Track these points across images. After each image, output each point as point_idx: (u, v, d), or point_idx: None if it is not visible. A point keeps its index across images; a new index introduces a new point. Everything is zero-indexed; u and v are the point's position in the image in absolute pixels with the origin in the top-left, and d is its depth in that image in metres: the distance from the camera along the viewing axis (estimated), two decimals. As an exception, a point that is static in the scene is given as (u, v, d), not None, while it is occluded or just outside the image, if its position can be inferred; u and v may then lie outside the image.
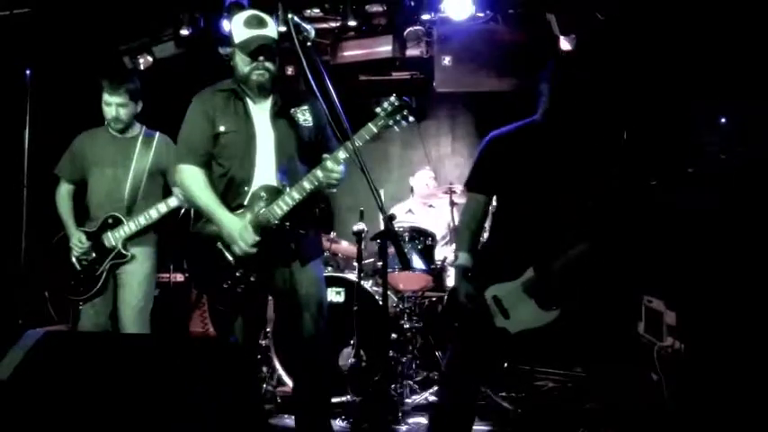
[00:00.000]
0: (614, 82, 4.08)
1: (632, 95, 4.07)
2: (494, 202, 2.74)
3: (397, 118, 2.47)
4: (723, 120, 3.55)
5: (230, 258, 2.54)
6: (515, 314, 2.49)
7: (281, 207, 2.51)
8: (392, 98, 2.47)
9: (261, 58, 2.53)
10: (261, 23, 2.53)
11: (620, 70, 4.04)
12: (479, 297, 2.50)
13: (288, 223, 2.54)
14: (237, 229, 2.49)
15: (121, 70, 3.33)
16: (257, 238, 2.50)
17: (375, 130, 2.47)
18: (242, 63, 2.56)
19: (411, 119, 2.48)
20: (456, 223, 2.76)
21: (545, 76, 2.53)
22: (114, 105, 3.25)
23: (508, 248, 2.55)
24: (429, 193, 4.69)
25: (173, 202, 3.25)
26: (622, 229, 2.51)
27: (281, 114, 2.63)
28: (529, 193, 2.52)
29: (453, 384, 2.59)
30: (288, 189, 2.53)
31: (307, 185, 2.49)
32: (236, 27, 2.56)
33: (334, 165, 2.48)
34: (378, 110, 2.47)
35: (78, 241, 3.27)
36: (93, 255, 3.27)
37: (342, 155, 2.46)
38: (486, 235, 2.98)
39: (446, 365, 2.67)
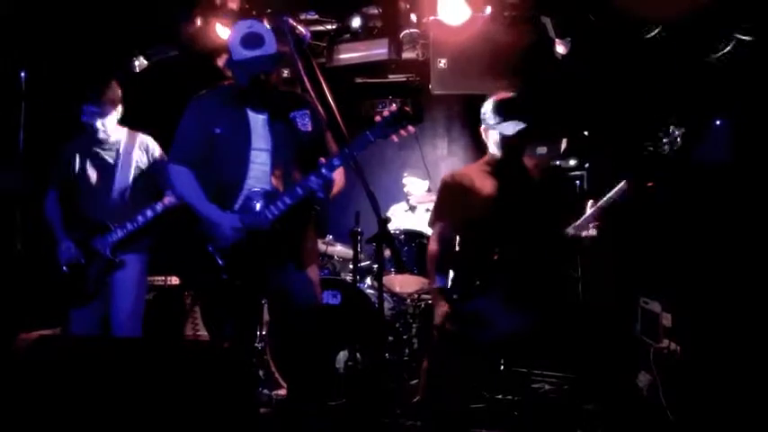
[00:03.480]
0: (610, 83, 4.10)
1: (628, 97, 4.09)
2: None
3: (397, 128, 2.44)
4: (718, 122, 3.57)
5: (219, 260, 2.54)
6: (497, 325, 2.57)
7: (272, 211, 2.50)
8: (393, 107, 2.45)
9: (261, 77, 2.52)
10: (259, 43, 2.49)
11: (615, 71, 4.06)
12: (459, 315, 2.58)
13: (279, 227, 2.53)
14: (221, 216, 2.51)
15: (99, 80, 3.30)
16: (241, 224, 2.50)
17: (372, 139, 2.45)
18: (241, 77, 2.54)
19: (411, 129, 2.45)
20: (428, 252, 2.90)
21: (486, 119, 2.87)
22: (96, 116, 3.25)
23: (478, 267, 2.69)
24: (424, 198, 4.70)
25: (159, 206, 3.23)
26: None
27: (279, 118, 2.62)
28: (487, 219, 2.73)
29: (442, 400, 2.66)
30: (281, 193, 2.52)
31: (300, 191, 2.48)
32: (235, 45, 2.52)
33: (329, 172, 2.47)
34: (377, 118, 2.45)
35: (66, 248, 3.26)
36: (82, 261, 3.26)
37: (337, 162, 2.46)
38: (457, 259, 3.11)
39: (430, 382, 2.71)
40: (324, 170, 2.46)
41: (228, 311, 2.59)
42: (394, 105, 2.49)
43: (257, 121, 2.62)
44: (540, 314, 2.59)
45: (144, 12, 4.35)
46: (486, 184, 2.80)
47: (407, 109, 2.45)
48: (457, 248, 2.95)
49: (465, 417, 2.66)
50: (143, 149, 3.36)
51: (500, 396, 3.64)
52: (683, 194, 3.52)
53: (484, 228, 2.74)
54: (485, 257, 2.67)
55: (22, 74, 3.87)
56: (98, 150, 3.33)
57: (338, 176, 2.68)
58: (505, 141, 2.79)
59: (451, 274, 2.88)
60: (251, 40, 2.49)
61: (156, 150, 3.39)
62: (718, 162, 3.51)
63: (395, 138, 2.47)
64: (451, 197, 2.85)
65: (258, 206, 2.53)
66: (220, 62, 2.65)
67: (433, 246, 2.86)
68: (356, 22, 4.40)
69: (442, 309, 2.64)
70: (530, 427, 3.39)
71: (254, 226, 2.51)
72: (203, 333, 4.38)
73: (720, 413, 2.92)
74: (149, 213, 3.23)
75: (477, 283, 2.65)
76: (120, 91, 3.33)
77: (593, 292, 3.88)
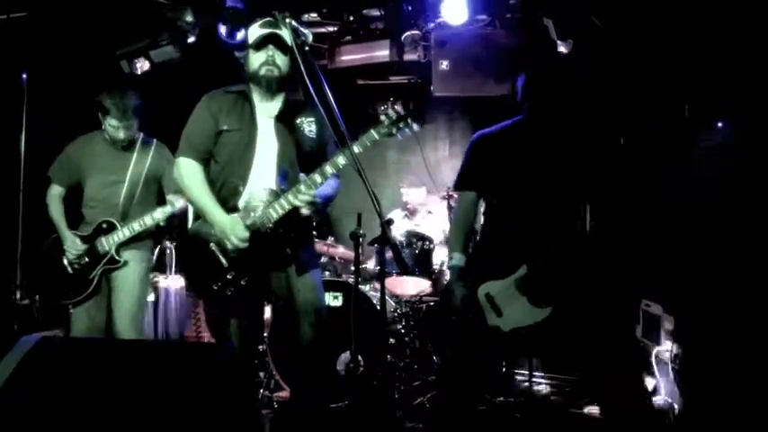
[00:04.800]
0: (611, 85, 4.10)
1: (629, 98, 4.09)
2: (482, 206, 2.76)
3: (401, 126, 2.47)
4: (720, 124, 3.56)
5: (223, 260, 2.54)
6: (508, 312, 2.50)
7: (277, 211, 2.50)
8: (397, 107, 2.47)
9: (270, 51, 2.57)
10: (274, 24, 2.59)
11: (617, 73, 4.06)
12: (472, 297, 2.51)
13: (282, 228, 2.53)
14: (228, 223, 2.51)
15: (124, 93, 3.32)
16: (248, 234, 2.50)
17: (377, 137, 2.47)
18: (253, 61, 2.61)
19: (415, 127, 2.48)
20: (449, 224, 2.79)
21: (526, 78, 2.60)
22: (122, 128, 3.29)
23: (500, 246, 2.57)
24: (424, 201, 4.70)
25: (168, 209, 3.25)
26: (620, 229, 2.53)
27: (286, 121, 2.66)
28: (517, 191, 2.55)
29: (449, 386, 2.61)
30: (285, 193, 2.53)
31: (303, 188, 2.49)
32: (252, 30, 2.64)
33: (333, 169, 2.48)
34: (382, 117, 2.47)
35: (72, 244, 3.26)
36: (87, 259, 3.27)
37: (341, 160, 2.46)
38: (477, 236, 3.00)
39: (442, 367, 2.68)
40: (327, 168, 2.47)
41: (232, 312, 2.59)
42: (398, 105, 2.48)
43: (265, 121, 2.64)
44: (558, 311, 2.49)
45: (146, 13, 4.36)
46: (516, 150, 2.57)
47: (412, 108, 2.46)
48: (480, 224, 2.80)
49: (467, 418, 2.63)
50: (157, 155, 3.39)
51: (501, 398, 3.63)
52: (684, 196, 3.52)
53: (510, 200, 2.57)
54: (506, 239, 2.54)
55: (24, 74, 3.88)
56: (114, 155, 3.36)
57: (335, 187, 2.71)
58: (539, 94, 2.55)
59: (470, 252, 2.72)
60: (267, 22, 2.59)
61: (169, 158, 3.41)
62: (719, 164, 3.50)
63: (399, 137, 2.48)
64: (478, 162, 2.64)
65: (261, 205, 2.53)
66: (237, 55, 2.68)
67: (454, 216, 2.74)
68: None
69: (460, 291, 2.54)
70: (531, 429, 3.39)
71: (257, 225, 2.52)
72: (205, 334, 4.39)
73: (722, 416, 2.91)
74: (158, 215, 3.24)
75: (494, 266, 2.53)
76: (138, 101, 3.36)
77: (593, 293, 3.87)
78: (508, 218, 2.57)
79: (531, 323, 2.48)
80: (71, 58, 4.32)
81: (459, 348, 2.58)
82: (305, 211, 2.51)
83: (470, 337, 2.53)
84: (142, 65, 4.57)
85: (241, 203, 2.57)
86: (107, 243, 3.25)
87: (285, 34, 2.56)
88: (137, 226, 3.24)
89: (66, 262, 3.28)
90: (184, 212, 3.53)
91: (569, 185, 2.52)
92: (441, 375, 2.65)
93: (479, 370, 2.60)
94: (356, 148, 2.41)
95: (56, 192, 3.43)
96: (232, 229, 2.49)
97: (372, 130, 2.47)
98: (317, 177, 2.48)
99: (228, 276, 2.54)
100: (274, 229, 2.52)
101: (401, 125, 2.47)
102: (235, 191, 2.58)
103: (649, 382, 3.35)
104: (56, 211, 3.39)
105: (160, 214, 3.24)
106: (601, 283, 2.67)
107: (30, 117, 3.88)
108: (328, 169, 2.48)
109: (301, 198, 2.48)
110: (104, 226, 3.27)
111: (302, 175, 2.51)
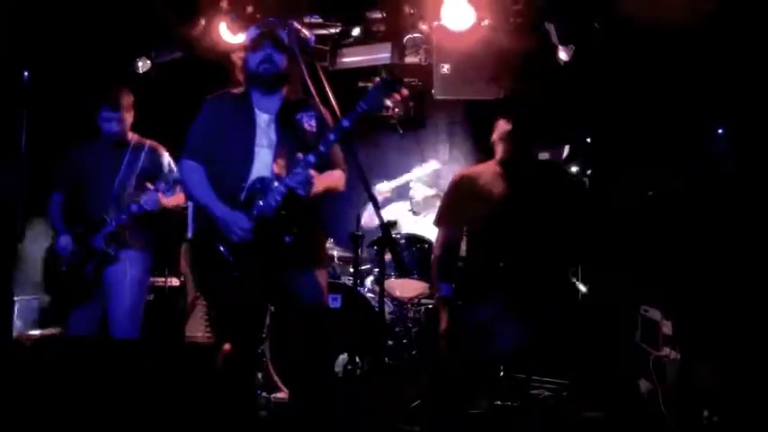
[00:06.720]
0: (612, 87, 4.11)
1: (629, 100, 4.10)
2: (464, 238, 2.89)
3: (389, 92, 2.44)
4: (721, 130, 3.57)
5: (230, 258, 2.54)
6: (500, 335, 2.55)
7: (275, 197, 2.51)
8: (383, 75, 2.47)
9: (268, 49, 2.59)
10: (271, 26, 2.62)
11: (617, 76, 4.07)
12: (462, 324, 2.59)
13: (285, 217, 2.53)
14: (230, 216, 2.52)
15: (116, 87, 3.37)
16: (251, 225, 2.51)
17: (366, 107, 2.45)
18: (251, 60, 2.64)
19: (405, 92, 2.46)
20: (432, 256, 2.87)
21: (499, 124, 2.82)
22: (114, 121, 3.32)
23: (484, 275, 2.69)
24: (426, 201, 4.70)
25: (153, 194, 3.22)
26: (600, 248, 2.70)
27: (286, 118, 2.68)
28: (496, 223, 2.70)
29: (445, 406, 2.65)
30: (281, 179, 2.53)
31: (298, 169, 2.48)
32: (249, 32, 2.69)
33: (325, 148, 2.49)
34: (369, 85, 2.48)
35: (66, 243, 3.28)
36: (80, 258, 3.28)
37: (332, 137, 2.47)
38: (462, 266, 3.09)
39: (434, 386, 2.73)
40: (321, 147, 2.48)
41: (234, 312, 2.59)
42: (383, 73, 2.48)
43: (263, 119, 2.67)
44: (544, 324, 2.57)
45: (147, 13, 4.36)
46: (497, 187, 2.73)
47: (388, 75, 2.45)
48: (463, 253, 2.91)
49: (464, 423, 2.65)
50: (150, 155, 3.41)
51: (499, 402, 3.63)
52: (683, 202, 3.52)
53: (492, 232, 2.70)
54: (491, 265, 2.65)
55: (25, 73, 3.88)
56: (108, 155, 3.37)
57: (338, 179, 2.71)
58: (511, 140, 2.75)
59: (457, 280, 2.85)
60: (264, 23, 2.64)
61: (164, 156, 3.43)
62: (718, 169, 3.51)
63: (389, 102, 2.45)
64: (461, 199, 2.78)
65: (262, 195, 2.54)
66: (237, 59, 2.70)
67: (437, 251, 2.81)
68: (356, 32, 4.44)
69: (447, 317, 2.61)
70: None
71: (260, 216, 2.52)
72: (202, 335, 4.38)
73: (721, 421, 2.91)
74: (143, 201, 3.21)
75: (481, 291, 2.63)
76: (131, 97, 3.39)
77: (593, 299, 3.88)
78: (489, 250, 2.71)
79: (524, 341, 2.57)
80: (73, 57, 4.32)
81: (450, 374, 2.64)
82: (301, 192, 2.50)
83: (461, 362, 2.59)
84: (143, 64, 4.58)
85: (242, 198, 2.57)
86: (98, 238, 3.26)
87: (282, 34, 2.58)
88: (124, 216, 3.24)
89: (61, 261, 3.29)
90: (183, 213, 3.53)
91: (545, 218, 2.69)
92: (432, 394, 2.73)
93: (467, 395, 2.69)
94: (345, 122, 2.42)
95: (57, 199, 3.46)
96: (234, 221, 2.51)
97: (361, 102, 2.45)
98: (311, 157, 2.48)
99: (235, 275, 2.55)
100: (277, 218, 2.52)
101: (389, 91, 2.43)
102: (236, 188, 2.59)
103: (648, 387, 3.35)
104: (55, 214, 3.42)
105: (144, 199, 3.20)
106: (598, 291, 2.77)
107: (30, 116, 3.88)
108: (321, 148, 2.48)
109: (296, 179, 2.48)
110: (95, 222, 3.28)
111: (298, 155, 2.51)
